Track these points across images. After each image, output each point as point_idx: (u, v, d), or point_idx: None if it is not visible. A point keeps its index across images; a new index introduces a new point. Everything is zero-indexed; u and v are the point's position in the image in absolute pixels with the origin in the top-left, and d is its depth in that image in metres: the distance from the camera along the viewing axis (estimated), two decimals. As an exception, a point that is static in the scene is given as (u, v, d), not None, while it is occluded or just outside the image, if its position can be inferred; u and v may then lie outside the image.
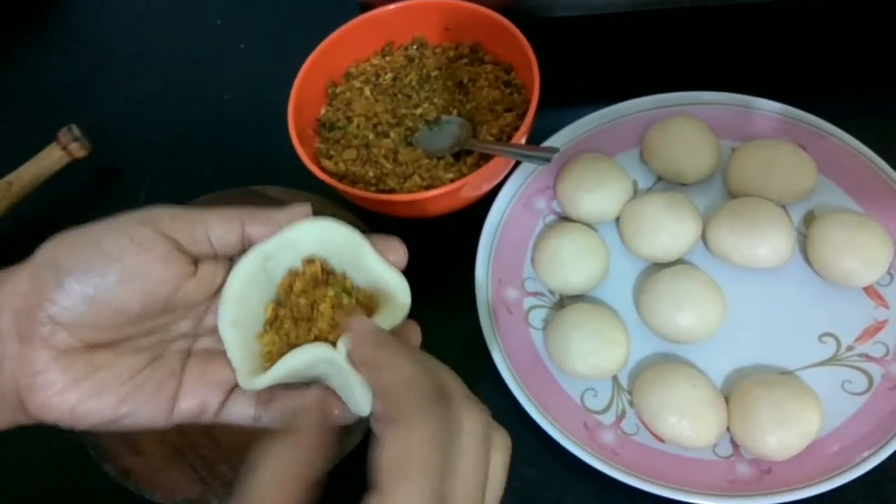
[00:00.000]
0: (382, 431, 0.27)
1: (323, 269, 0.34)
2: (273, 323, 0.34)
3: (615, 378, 0.50)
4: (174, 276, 0.32)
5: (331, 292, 0.33)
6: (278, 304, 0.34)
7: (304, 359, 0.31)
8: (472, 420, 0.28)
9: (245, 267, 0.33)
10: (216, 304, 0.34)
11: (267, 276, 0.34)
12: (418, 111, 0.58)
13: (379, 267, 0.33)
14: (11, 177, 0.61)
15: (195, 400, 0.33)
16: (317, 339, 0.32)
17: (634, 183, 0.56)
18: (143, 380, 0.33)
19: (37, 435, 0.53)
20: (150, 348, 0.34)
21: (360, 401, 0.30)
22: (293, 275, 0.34)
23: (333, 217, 0.34)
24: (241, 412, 0.34)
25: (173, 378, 0.33)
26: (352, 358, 0.30)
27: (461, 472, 0.27)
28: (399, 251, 0.34)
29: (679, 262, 0.52)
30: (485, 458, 0.27)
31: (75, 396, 0.31)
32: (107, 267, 0.31)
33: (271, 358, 0.32)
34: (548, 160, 0.49)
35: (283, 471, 0.27)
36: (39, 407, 0.31)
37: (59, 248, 0.32)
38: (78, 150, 0.62)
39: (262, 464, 0.27)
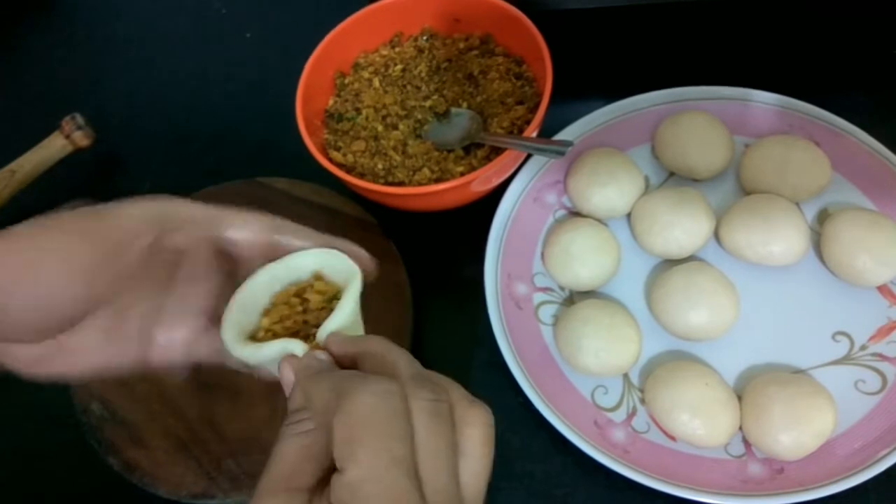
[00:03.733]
0: (333, 424, 0.26)
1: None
2: (268, 313, 0.35)
3: (626, 375, 0.49)
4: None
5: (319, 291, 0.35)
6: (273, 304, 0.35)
7: (276, 349, 0.32)
8: (417, 393, 0.27)
9: (253, 282, 0.35)
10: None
11: (269, 289, 0.36)
12: (428, 103, 0.57)
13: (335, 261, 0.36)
14: (14, 165, 0.60)
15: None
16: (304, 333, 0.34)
17: (646, 178, 0.55)
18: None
19: (41, 427, 0.53)
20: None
21: None
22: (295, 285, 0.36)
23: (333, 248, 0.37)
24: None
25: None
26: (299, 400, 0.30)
27: (419, 442, 0.26)
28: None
29: (691, 258, 0.51)
30: (441, 428, 0.26)
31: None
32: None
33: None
34: (562, 153, 0.48)
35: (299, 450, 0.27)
36: None
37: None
38: (81, 138, 0.61)
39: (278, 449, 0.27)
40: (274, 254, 0.36)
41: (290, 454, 0.27)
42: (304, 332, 0.34)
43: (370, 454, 0.25)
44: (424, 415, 0.26)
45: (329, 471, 0.27)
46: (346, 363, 0.31)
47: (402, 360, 0.29)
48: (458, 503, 0.26)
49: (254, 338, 0.34)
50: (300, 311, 0.34)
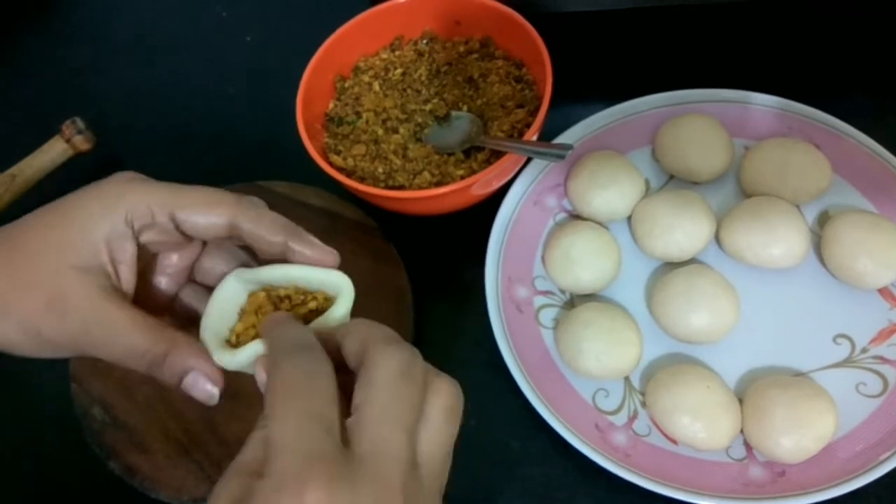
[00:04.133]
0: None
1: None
2: (242, 316, 0.35)
3: (627, 378, 0.49)
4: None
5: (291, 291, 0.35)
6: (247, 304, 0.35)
7: (250, 352, 0.32)
8: (383, 355, 0.28)
9: (228, 285, 0.35)
10: None
11: (244, 294, 0.35)
12: (428, 107, 0.57)
13: (323, 276, 0.34)
14: (15, 169, 0.60)
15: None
16: None
17: (646, 181, 0.55)
18: None
19: (41, 431, 0.53)
20: None
21: None
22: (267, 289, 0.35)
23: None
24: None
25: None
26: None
27: (369, 402, 0.26)
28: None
29: (692, 261, 0.51)
30: (405, 392, 0.27)
31: None
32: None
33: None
34: (562, 157, 0.48)
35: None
36: None
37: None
38: (82, 142, 0.61)
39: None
40: (237, 238, 0.34)
41: (254, 442, 0.28)
42: None
43: (284, 409, 0.26)
44: (386, 372, 0.27)
45: None
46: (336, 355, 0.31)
47: (376, 328, 0.30)
48: (407, 458, 0.26)
49: (229, 343, 0.34)
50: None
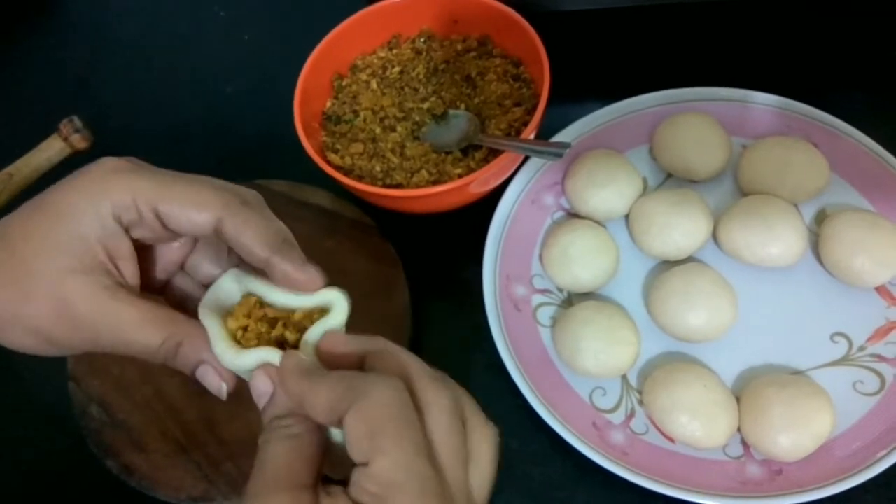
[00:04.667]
0: (345, 421, 0.26)
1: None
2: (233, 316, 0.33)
3: (624, 377, 0.49)
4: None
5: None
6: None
7: (255, 358, 0.31)
8: (438, 394, 0.28)
9: (224, 281, 0.34)
10: None
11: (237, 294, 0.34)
12: (426, 105, 0.57)
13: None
14: (12, 168, 0.60)
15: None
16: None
17: (644, 180, 0.55)
18: None
19: (40, 431, 0.53)
20: None
21: None
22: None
23: None
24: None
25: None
26: (290, 399, 0.30)
27: (436, 438, 0.27)
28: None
29: (690, 260, 0.51)
30: (458, 428, 0.27)
31: None
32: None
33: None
34: (559, 155, 0.48)
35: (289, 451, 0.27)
36: None
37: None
38: (79, 141, 0.61)
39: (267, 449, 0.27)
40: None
41: (283, 456, 0.27)
42: (268, 340, 0.32)
43: (396, 444, 0.25)
44: (446, 414, 0.27)
45: (320, 472, 0.27)
46: (343, 363, 0.30)
47: (413, 359, 0.29)
48: (470, 499, 0.27)
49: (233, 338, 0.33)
50: (262, 319, 0.32)
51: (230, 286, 0.33)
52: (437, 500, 0.25)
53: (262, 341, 0.32)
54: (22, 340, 0.31)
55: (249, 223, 0.30)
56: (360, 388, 0.26)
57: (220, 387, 0.31)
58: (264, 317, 0.32)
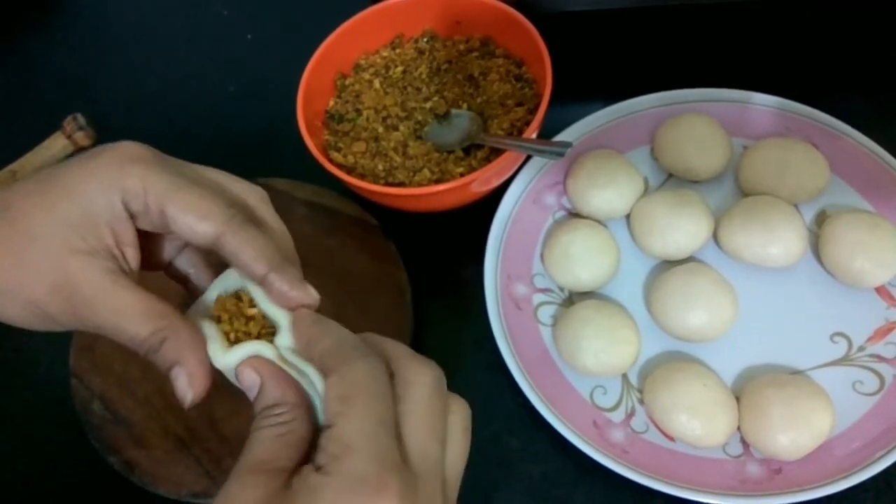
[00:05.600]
0: (327, 381, 0.28)
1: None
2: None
3: (625, 376, 0.49)
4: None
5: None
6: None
7: (247, 351, 0.31)
8: (418, 371, 0.28)
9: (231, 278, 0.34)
10: None
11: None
12: (428, 105, 0.58)
13: None
14: (15, 165, 0.60)
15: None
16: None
17: (645, 180, 0.56)
18: None
19: (42, 427, 0.53)
20: None
21: (316, 385, 0.30)
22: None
23: None
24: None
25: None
26: (296, 339, 0.31)
27: (413, 416, 0.27)
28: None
29: (690, 260, 0.51)
30: (438, 406, 0.28)
31: None
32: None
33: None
34: (561, 154, 0.49)
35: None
36: None
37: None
38: (83, 138, 0.62)
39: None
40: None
41: (269, 441, 0.28)
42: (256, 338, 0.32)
43: (361, 412, 0.26)
44: (426, 389, 0.28)
45: (305, 458, 0.28)
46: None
47: (397, 343, 0.30)
48: (441, 473, 0.27)
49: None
50: (241, 319, 0.32)
51: (235, 279, 0.33)
52: (394, 469, 0.25)
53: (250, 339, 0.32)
54: (17, 312, 0.31)
55: (249, 243, 0.31)
56: (348, 355, 0.28)
57: (185, 394, 0.31)
58: (240, 314, 0.32)
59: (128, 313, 0.30)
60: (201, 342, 0.31)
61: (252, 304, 0.33)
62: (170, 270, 0.36)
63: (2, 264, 0.31)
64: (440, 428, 0.28)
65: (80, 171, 0.31)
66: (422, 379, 0.28)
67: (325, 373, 0.29)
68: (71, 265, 0.30)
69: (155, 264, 0.36)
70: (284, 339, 0.31)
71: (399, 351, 0.30)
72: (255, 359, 0.31)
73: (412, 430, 0.27)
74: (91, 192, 0.31)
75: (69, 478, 0.51)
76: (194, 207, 0.31)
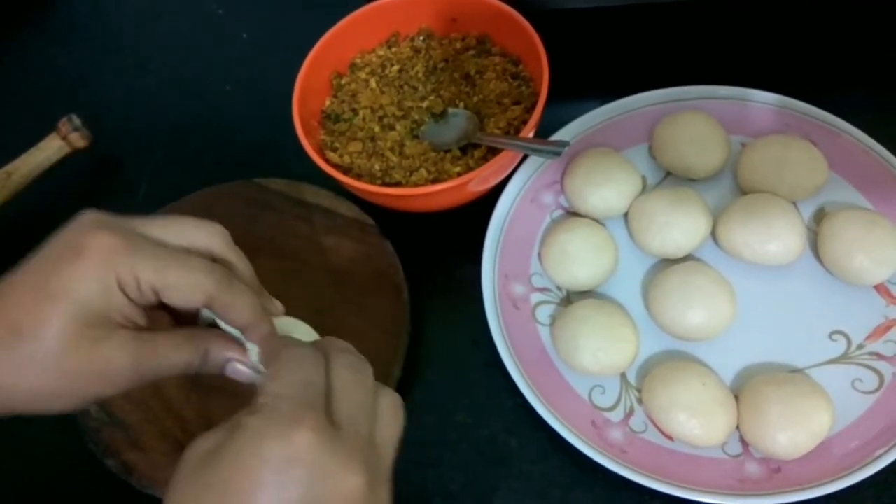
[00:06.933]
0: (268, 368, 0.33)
1: None
2: None
3: (623, 375, 0.49)
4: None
5: None
6: None
7: None
8: (344, 358, 0.33)
9: None
10: None
11: None
12: (425, 104, 0.57)
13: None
14: (10, 167, 0.60)
15: None
16: None
17: (643, 178, 0.55)
18: None
19: (38, 430, 0.53)
20: None
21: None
22: None
23: None
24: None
25: None
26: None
27: (339, 387, 0.31)
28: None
29: (688, 258, 0.51)
30: (363, 385, 0.32)
31: None
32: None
33: None
34: (558, 154, 0.48)
35: None
36: None
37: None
38: (78, 140, 0.61)
39: None
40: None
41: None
42: None
43: (287, 373, 0.31)
44: (348, 370, 0.32)
45: None
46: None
47: (334, 339, 0.35)
48: (368, 439, 0.30)
49: None
50: None
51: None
52: (312, 409, 0.29)
53: None
54: (65, 406, 0.34)
55: (235, 302, 0.35)
56: (284, 345, 0.34)
57: (250, 375, 0.36)
58: None
59: (168, 355, 0.35)
60: (229, 338, 0.37)
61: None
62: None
63: (38, 376, 0.32)
64: (361, 396, 0.31)
65: (71, 276, 0.32)
66: (338, 359, 0.32)
67: (269, 361, 0.34)
68: (104, 354, 0.33)
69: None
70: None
71: (331, 342, 0.34)
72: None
73: (339, 397, 0.31)
74: (91, 293, 0.32)
75: (67, 481, 0.51)
76: (184, 283, 0.34)
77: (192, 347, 0.35)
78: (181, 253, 0.35)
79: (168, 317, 0.37)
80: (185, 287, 0.34)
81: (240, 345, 0.37)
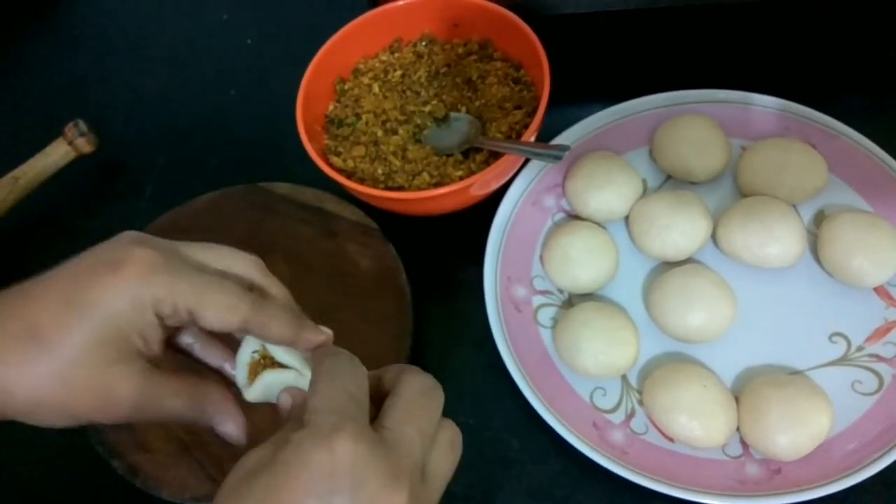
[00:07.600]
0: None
1: None
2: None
3: (624, 377, 0.49)
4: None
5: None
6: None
7: (269, 379, 0.36)
8: (412, 375, 0.33)
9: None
10: None
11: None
12: (427, 108, 0.58)
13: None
14: (17, 172, 0.60)
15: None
16: None
17: (644, 181, 0.56)
18: None
19: (44, 432, 0.53)
20: None
21: None
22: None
23: None
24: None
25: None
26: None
27: (397, 404, 0.31)
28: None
29: (689, 261, 0.52)
30: (425, 406, 0.32)
31: None
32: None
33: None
34: (558, 158, 0.49)
35: None
36: None
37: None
38: (84, 145, 0.62)
39: None
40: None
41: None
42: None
43: (325, 386, 0.31)
44: (412, 386, 0.32)
45: None
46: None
47: (410, 367, 0.34)
48: (417, 458, 0.30)
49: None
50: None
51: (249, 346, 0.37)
52: (352, 419, 0.29)
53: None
54: (55, 421, 0.34)
55: (272, 322, 0.34)
56: (324, 355, 0.33)
57: (235, 433, 0.36)
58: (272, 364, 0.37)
59: (169, 402, 0.34)
60: (230, 396, 0.36)
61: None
62: (171, 344, 0.38)
63: (41, 384, 0.32)
64: (423, 421, 0.31)
65: (105, 288, 0.32)
66: (411, 380, 0.32)
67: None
68: (111, 377, 0.33)
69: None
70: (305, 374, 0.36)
71: (407, 368, 0.34)
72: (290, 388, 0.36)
73: (392, 412, 0.31)
74: (122, 309, 0.32)
75: (73, 481, 0.52)
76: (221, 305, 0.33)
77: (189, 398, 0.35)
78: (218, 275, 0.34)
79: (176, 359, 0.37)
80: (222, 307, 0.33)
81: (236, 405, 0.36)
